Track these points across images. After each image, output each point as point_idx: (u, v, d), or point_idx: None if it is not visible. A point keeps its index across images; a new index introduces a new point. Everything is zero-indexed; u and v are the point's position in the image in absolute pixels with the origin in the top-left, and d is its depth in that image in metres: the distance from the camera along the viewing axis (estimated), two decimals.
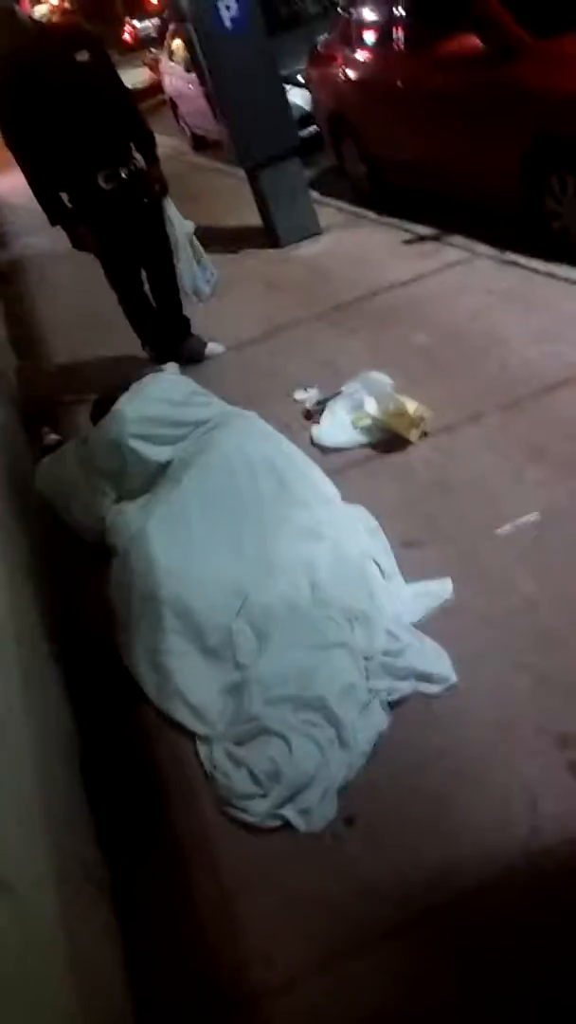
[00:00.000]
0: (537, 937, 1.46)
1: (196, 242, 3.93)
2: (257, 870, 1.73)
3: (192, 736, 2.07)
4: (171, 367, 3.21)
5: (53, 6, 6.25)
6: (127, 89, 3.74)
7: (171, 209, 3.78)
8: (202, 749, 2.04)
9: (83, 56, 3.38)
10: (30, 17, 3.68)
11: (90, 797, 1.92)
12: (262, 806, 1.83)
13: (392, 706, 1.98)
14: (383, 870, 1.63)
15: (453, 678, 1.99)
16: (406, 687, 2.01)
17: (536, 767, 1.72)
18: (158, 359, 3.80)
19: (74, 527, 2.86)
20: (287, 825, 1.79)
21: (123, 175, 3.53)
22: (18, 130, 3.42)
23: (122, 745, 2.07)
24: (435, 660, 2.04)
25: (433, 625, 2.14)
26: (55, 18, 4.95)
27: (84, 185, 3.51)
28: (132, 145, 3.58)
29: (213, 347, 4.10)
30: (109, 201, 3.54)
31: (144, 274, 3.89)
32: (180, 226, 3.83)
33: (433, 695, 1.97)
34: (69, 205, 3.57)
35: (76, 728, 2.11)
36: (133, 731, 2.14)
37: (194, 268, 3.92)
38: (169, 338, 4.03)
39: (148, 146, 3.63)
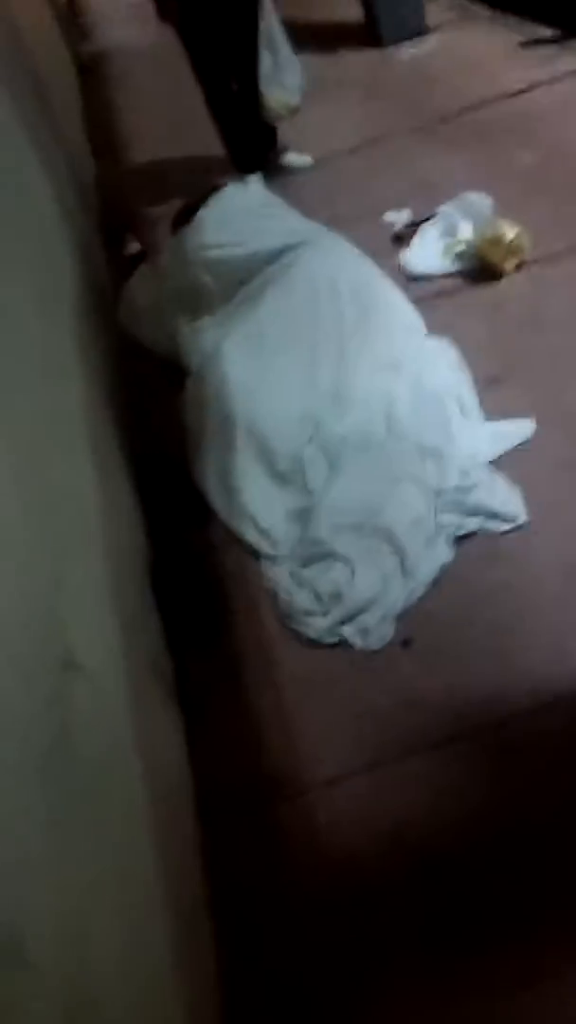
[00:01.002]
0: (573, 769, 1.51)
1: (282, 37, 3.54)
2: (313, 681, 1.82)
3: (257, 556, 2.13)
4: (254, 178, 3.03)
5: None
6: None
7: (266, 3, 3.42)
8: (267, 568, 2.10)
9: None
10: None
11: (159, 604, 2.02)
12: (322, 623, 1.90)
13: (459, 541, 1.98)
14: (435, 689, 1.70)
15: (523, 518, 1.97)
16: (474, 523, 2.00)
17: None
18: (241, 168, 3.58)
19: (153, 347, 2.84)
20: (345, 644, 1.86)
21: None
22: None
23: (190, 556, 2.15)
24: (506, 499, 2.01)
25: (509, 466, 2.09)
26: None
27: None
28: None
29: (300, 158, 3.82)
30: None
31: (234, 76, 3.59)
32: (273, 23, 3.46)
33: (501, 533, 1.96)
34: None
35: (147, 540, 2.19)
36: (201, 546, 2.21)
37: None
38: (253, 145, 3.76)
39: None
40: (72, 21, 7.65)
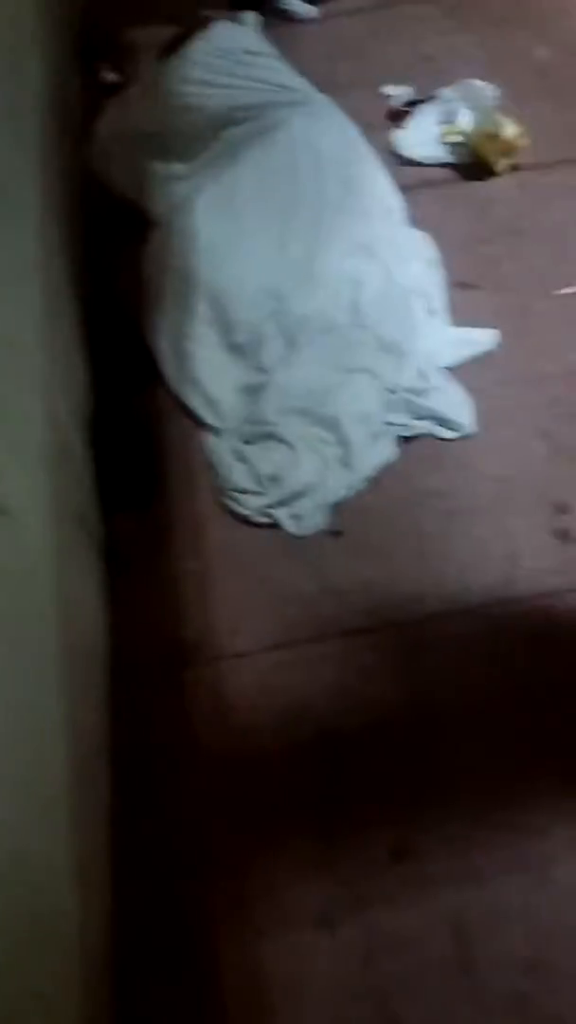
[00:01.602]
0: (483, 669, 1.58)
1: None
2: (240, 556, 1.84)
3: (201, 425, 2.09)
4: (249, 16, 2.79)
5: None
6: None
7: None
8: (209, 439, 2.06)
9: None
10: None
11: (95, 459, 1.98)
12: (257, 502, 1.89)
13: (404, 441, 1.97)
14: (358, 581, 1.74)
15: (471, 428, 1.97)
16: (422, 427, 2.00)
17: (526, 525, 1.77)
18: (236, 4, 3.30)
19: (121, 190, 2.65)
20: (276, 526, 1.87)
21: None
22: None
23: (132, 416, 2.10)
24: (458, 407, 2.01)
25: (466, 373, 2.08)
26: None
27: None
28: None
29: (304, 6, 3.52)
30: None
31: None
32: None
33: (447, 440, 1.96)
34: None
35: (90, 393, 2.11)
36: (145, 407, 2.15)
37: None
38: None
39: None
40: None
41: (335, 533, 1.84)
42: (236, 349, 2.17)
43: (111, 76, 3.13)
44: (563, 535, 1.74)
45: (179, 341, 2.17)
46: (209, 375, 2.13)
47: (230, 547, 1.85)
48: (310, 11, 3.51)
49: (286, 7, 3.48)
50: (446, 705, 1.55)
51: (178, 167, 2.44)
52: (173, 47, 2.56)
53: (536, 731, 1.49)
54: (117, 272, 2.45)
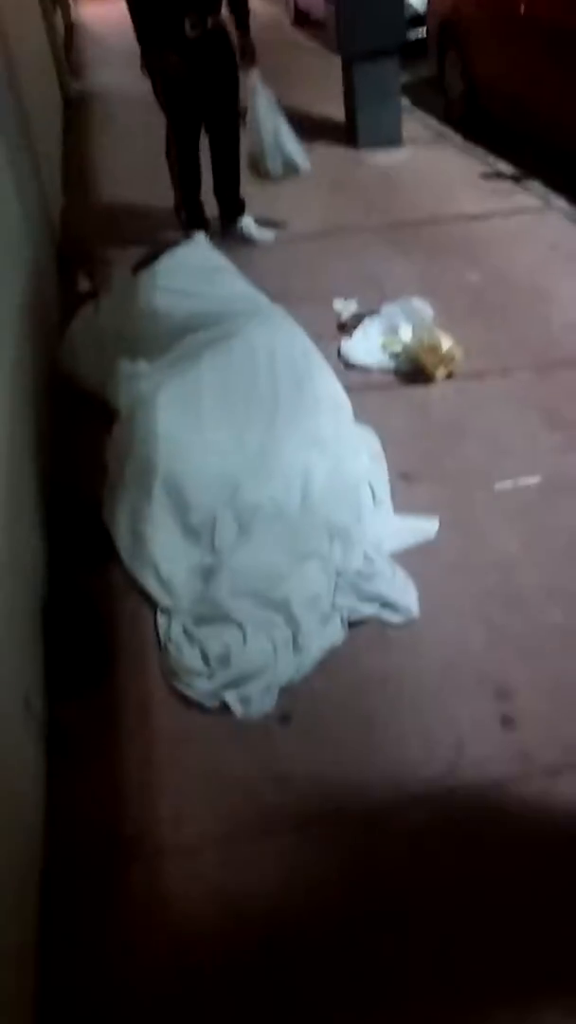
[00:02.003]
0: (432, 864, 1.54)
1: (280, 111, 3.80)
2: (187, 743, 1.81)
3: (154, 606, 2.12)
4: (200, 235, 3.14)
5: None
6: None
7: (258, 81, 3.65)
8: (161, 620, 2.09)
9: None
10: None
11: (45, 638, 1.98)
12: (206, 685, 1.90)
13: (351, 625, 2.03)
14: (305, 769, 1.71)
15: (415, 612, 2.03)
16: (368, 610, 2.06)
17: (470, 712, 1.79)
18: (188, 225, 3.75)
19: (88, 385, 2.85)
20: (225, 709, 1.86)
21: (208, 24, 3.46)
22: None
23: (84, 597, 2.12)
24: (402, 591, 2.09)
25: (409, 559, 2.17)
26: None
27: (172, 28, 3.42)
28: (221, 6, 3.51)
29: (263, 232, 3.98)
30: (190, 51, 3.44)
31: (209, 143, 3.80)
32: (266, 98, 3.69)
33: (392, 624, 2.02)
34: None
35: (45, 572, 2.15)
36: (99, 586, 2.19)
37: (285, 140, 3.79)
38: (223, 212, 3.94)
39: (242, 13, 3.58)
40: (67, 57, 7.81)
41: (283, 718, 1.84)
42: (192, 531, 2.26)
43: (85, 285, 3.46)
44: (506, 721, 1.76)
45: (136, 522, 2.25)
46: (163, 556, 2.20)
47: (177, 733, 1.83)
48: (267, 236, 3.98)
49: (247, 233, 3.94)
50: (392, 901, 1.49)
51: (143, 366, 2.64)
52: (145, 262, 2.84)
53: (487, 933, 1.43)
54: (80, 457, 2.57)
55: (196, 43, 3.46)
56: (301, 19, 8.97)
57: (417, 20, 6.03)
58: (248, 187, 4.04)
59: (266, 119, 3.74)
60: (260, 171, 3.87)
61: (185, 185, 3.91)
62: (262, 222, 4.03)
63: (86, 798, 1.72)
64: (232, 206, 3.99)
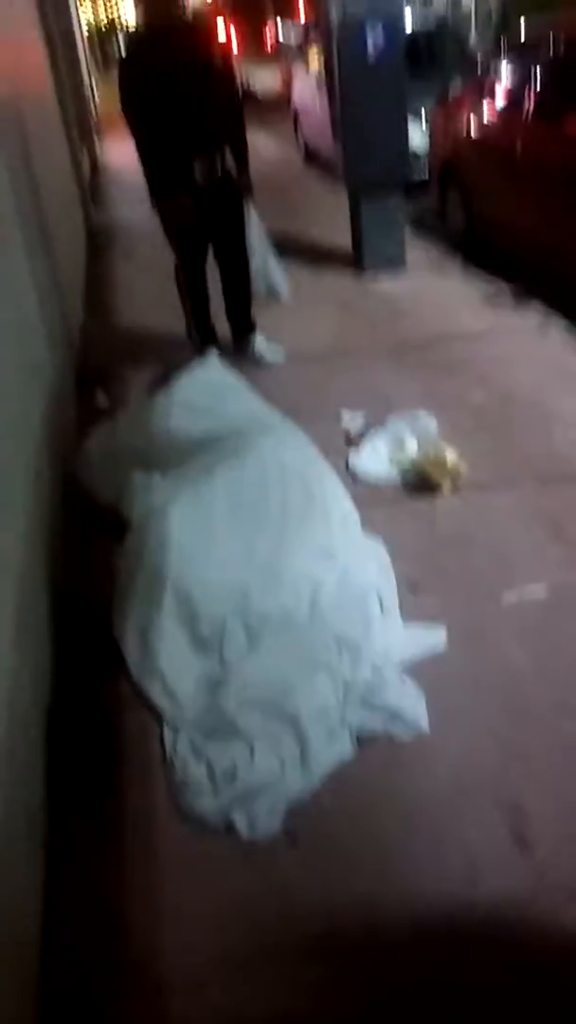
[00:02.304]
0: (441, 995, 1.47)
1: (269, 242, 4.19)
2: (191, 862, 1.76)
3: (162, 718, 2.10)
4: (213, 356, 3.29)
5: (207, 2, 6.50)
6: (237, 99, 3.91)
7: (253, 213, 3.98)
8: (168, 732, 2.07)
9: (207, 61, 3.63)
10: (183, 6, 3.80)
11: (49, 750, 1.96)
12: (212, 804, 1.86)
13: (360, 740, 2.00)
14: (313, 892, 1.65)
15: (425, 727, 2.01)
16: (378, 723, 2.03)
17: (483, 834, 1.74)
18: (201, 347, 3.93)
19: (101, 496, 2.93)
20: (230, 827, 1.82)
21: (219, 172, 3.70)
22: (138, 110, 3.59)
23: (92, 709, 2.11)
24: (412, 704, 2.06)
25: (418, 671, 2.16)
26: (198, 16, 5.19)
27: (182, 173, 3.66)
28: (226, 147, 3.75)
29: (273, 353, 4.17)
30: (200, 194, 3.69)
31: (219, 271, 4.06)
32: (258, 228, 4.03)
33: (401, 739, 1.99)
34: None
35: (53, 681, 2.15)
36: (106, 698, 2.17)
37: (271, 269, 4.17)
38: (235, 335, 4.14)
39: (241, 151, 3.81)
40: (93, 192, 8.40)
41: (291, 839, 1.79)
42: (200, 642, 2.26)
43: (103, 401, 3.60)
44: (520, 840, 1.71)
45: (145, 634, 2.26)
46: (172, 666, 2.19)
47: (181, 853, 1.78)
48: (278, 356, 4.16)
49: (258, 353, 4.13)
50: None
51: (156, 479, 2.71)
52: (160, 381, 2.98)
53: None
54: (92, 568, 2.61)
55: (207, 190, 3.69)
56: (311, 157, 9.66)
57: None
58: (257, 309, 4.26)
59: (257, 247, 4.10)
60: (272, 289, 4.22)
61: (195, 308, 4.13)
62: (271, 345, 4.24)
63: (84, 918, 1.66)
64: (244, 326, 4.20)
